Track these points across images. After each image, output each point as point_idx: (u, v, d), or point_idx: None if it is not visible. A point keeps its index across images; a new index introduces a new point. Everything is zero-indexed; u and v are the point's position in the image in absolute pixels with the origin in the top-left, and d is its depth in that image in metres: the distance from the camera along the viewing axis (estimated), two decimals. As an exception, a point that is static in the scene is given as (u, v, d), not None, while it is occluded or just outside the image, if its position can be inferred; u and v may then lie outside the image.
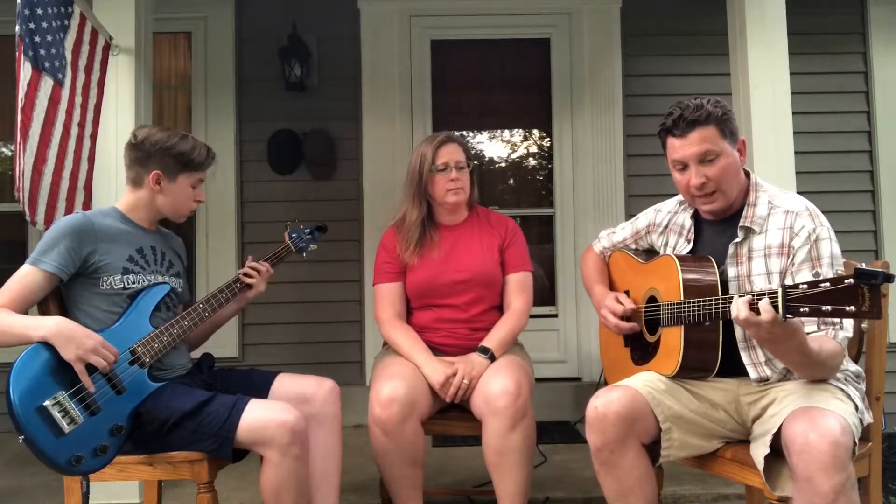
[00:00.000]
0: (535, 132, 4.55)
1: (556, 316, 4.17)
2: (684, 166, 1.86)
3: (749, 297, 1.54)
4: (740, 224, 1.86)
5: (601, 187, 4.14)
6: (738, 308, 1.54)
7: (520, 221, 4.37)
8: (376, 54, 4.13)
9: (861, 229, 4.08)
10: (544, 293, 4.21)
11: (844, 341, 1.71)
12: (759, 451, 1.65)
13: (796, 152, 2.91)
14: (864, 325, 1.73)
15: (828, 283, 1.36)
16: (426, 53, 4.22)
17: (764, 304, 1.49)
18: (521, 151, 4.60)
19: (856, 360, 1.92)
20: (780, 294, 1.45)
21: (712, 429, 1.84)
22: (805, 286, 1.40)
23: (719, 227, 1.94)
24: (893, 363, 2.68)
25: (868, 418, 1.78)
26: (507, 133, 4.57)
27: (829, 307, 1.36)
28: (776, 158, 2.85)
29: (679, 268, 1.85)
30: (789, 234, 1.80)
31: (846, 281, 1.33)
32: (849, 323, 1.71)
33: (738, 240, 1.86)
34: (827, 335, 1.70)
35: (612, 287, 2.26)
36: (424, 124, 4.16)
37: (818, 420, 1.53)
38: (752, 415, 1.81)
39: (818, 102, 4.06)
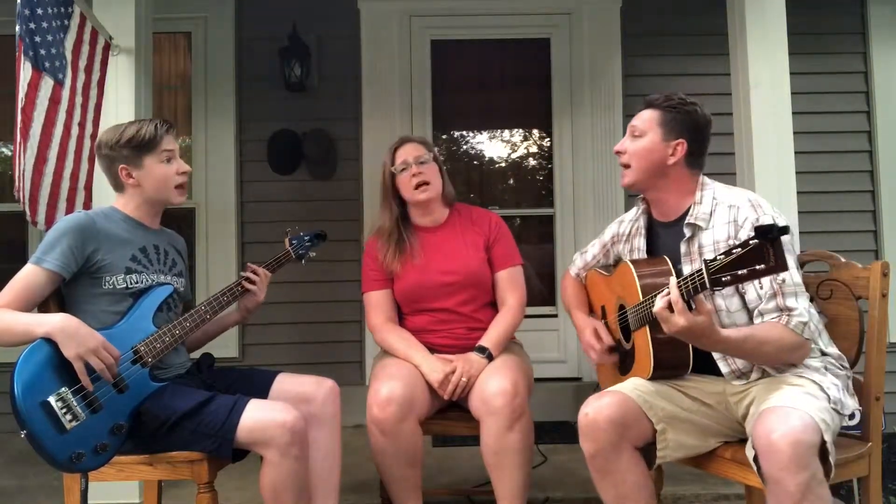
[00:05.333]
0: (535, 132, 4.55)
1: (555, 316, 4.17)
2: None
3: (667, 293, 1.60)
4: (686, 221, 1.90)
5: (601, 187, 4.14)
6: (656, 303, 1.62)
7: (520, 221, 4.39)
8: (376, 54, 4.13)
9: (861, 229, 4.07)
10: (544, 293, 4.21)
11: (799, 327, 1.72)
12: (749, 451, 1.65)
13: (796, 152, 2.91)
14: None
15: (739, 249, 1.44)
16: (426, 53, 4.22)
17: (677, 307, 1.57)
18: (521, 151, 4.60)
19: (856, 361, 1.93)
20: (704, 269, 1.51)
21: (707, 426, 1.84)
22: (722, 256, 1.48)
23: (670, 228, 1.98)
24: (893, 363, 2.68)
25: (852, 404, 1.77)
26: (507, 133, 4.57)
27: (744, 270, 1.43)
28: (776, 158, 2.85)
29: (634, 271, 1.90)
30: (734, 227, 1.83)
31: (751, 242, 1.41)
32: (801, 308, 1.73)
33: (685, 237, 1.89)
34: (780, 321, 1.73)
35: (591, 307, 2.29)
36: (424, 124, 4.16)
37: (780, 420, 1.55)
38: (740, 414, 1.82)
39: (818, 102, 4.05)
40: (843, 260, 1.99)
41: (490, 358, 2.28)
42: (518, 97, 4.45)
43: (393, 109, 4.12)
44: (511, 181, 4.61)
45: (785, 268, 1.40)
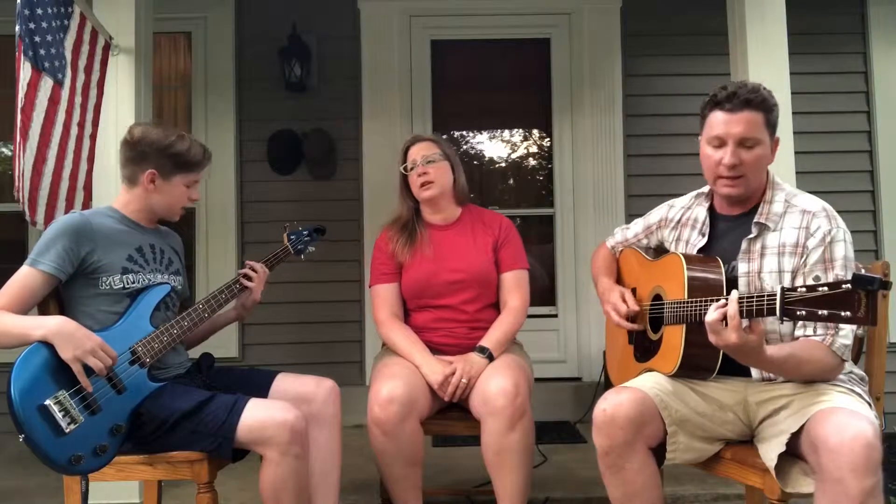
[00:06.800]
0: (535, 132, 4.55)
1: (556, 316, 4.17)
2: (721, 143, 1.81)
3: (723, 304, 1.55)
4: (755, 220, 1.85)
5: (601, 187, 4.14)
6: (710, 312, 1.57)
7: (520, 221, 4.38)
8: (376, 54, 4.13)
9: (861, 229, 4.06)
10: (544, 293, 4.21)
11: (842, 349, 1.70)
12: (774, 450, 1.63)
13: (796, 152, 2.91)
14: (859, 331, 1.73)
15: (826, 288, 1.37)
16: (426, 53, 4.23)
17: (732, 322, 1.52)
18: (521, 151, 4.60)
19: (856, 361, 1.92)
20: (777, 296, 1.45)
21: (717, 431, 1.82)
22: (803, 290, 1.40)
23: (734, 222, 1.92)
24: (893, 363, 2.67)
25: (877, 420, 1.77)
26: (507, 133, 4.57)
27: (825, 311, 1.36)
28: (776, 158, 2.84)
29: (685, 266, 1.84)
30: (805, 233, 1.79)
31: (843, 286, 1.34)
32: (847, 329, 1.70)
33: (751, 236, 1.84)
34: (824, 342, 1.70)
35: (620, 283, 2.25)
36: (424, 124, 4.16)
37: (852, 422, 1.51)
38: (760, 415, 1.79)
39: (818, 102, 4.06)
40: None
41: (490, 358, 2.28)
42: (518, 97, 4.46)
43: (393, 109, 4.12)
44: (511, 181, 4.61)
45: (874, 323, 1.35)
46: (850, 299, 1.33)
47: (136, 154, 1.99)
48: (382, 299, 2.44)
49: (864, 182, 4.14)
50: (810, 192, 1.91)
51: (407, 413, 2.13)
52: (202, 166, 2.06)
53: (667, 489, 2.24)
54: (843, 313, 1.34)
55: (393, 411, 2.11)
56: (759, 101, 1.79)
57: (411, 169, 2.43)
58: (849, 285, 1.33)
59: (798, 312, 1.40)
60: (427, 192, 2.41)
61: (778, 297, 1.45)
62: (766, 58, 2.92)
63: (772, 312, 1.47)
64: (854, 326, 1.71)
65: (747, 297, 1.54)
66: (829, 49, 4.13)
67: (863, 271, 1.34)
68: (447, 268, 2.40)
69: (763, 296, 1.50)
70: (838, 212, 1.83)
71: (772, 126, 1.83)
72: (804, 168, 3.11)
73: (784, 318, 1.45)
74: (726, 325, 1.55)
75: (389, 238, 2.47)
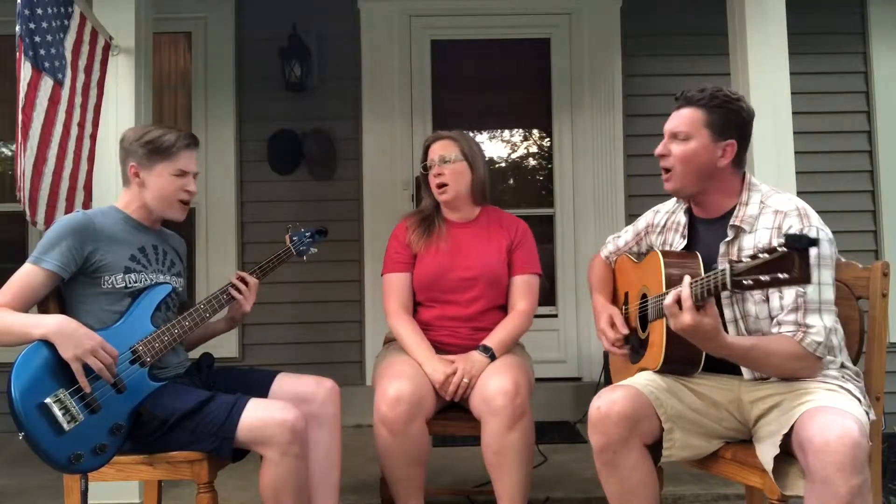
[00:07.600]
0: (535, 132, 4.56)
1: (556, 316, 4.17)
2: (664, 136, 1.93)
3: (678, 291, 1.61)
4: (730, 223, 1.86)
5: (601, 187, 4.14)
6: (667, 297, 1.62)
7: (520, 221, 4.38)
8: (376, 54, 4.13)
9: (861, 229, 4.07)
10: (544, 293, 4.21)
11: (813, 345, 1.70)
12: (769, 451, 1.63)
13: (796, 152, 2.91)
14: (831, 324, 1.73)
15: (766, 255, 1.43)
16: (426, 53, 4.23)
17: (686, 304, 1.59)
18: (521, 151, 4.60)
19: (856, 361, 1.92)
20: (728, 270, 1.50)
21: (713, 428, 1.83)
22: (748, 260, 1.46)
23: (712, 225, 1.94)
24: (893, 363, 2.68)
25: (872, 416, 1.77)
26: (507, 133, 4.57)
27: (767, 277, 1.42)
28: (776, 158, 2.85)
29: (662, 262, 1.88)
30: (777, 234, 1.79)
31: (779, 249, 1.40)
32: (819, 327, 1.71)
33: (727, 239, 1.86)
34: (794, 337, 1.71)
35: (615, 291, 2.27)
36: (424, 124, 4.16)
37: (837, 420, 1.51)
38: (755, 414, 1.80)
39: (818, 102, 4.06)
40: (843, 260, 1.98)
41: (493, 357, 2.28)
42: (518, 97, 4.45)
43: (393, 109, 4.13)
44: (511, 181, 4.61)
45: (808, 280, 1.38)
46: (786, 261, 1.39)
47: (122, 154, 2.04)
48: (393, 288, 2.44)
49: (864, 182, 4.13)
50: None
51: (415, 412, 2.13)
52: (178, 150, 2.01)
53: (667, 489, 2.24)
54: (780, 275, 1.40)
55: (401, 411, 2.10)
56: (699, 99, 1.85)
57: (430, 168, 2.45)
58: (784, 248, 1.39)
59: (745, 282, 1.46)
60: (442, 196, 2.43)
61: (728, 271, 1.50)
62: (766, 58, 2.92)
63: (724, 287, 1.52)
64: (832, 322, 1.73)
65: (703, 278, 1.58)
66: (829, 49, 4.13)
67: (795, 232, 1.39)
68: (461, 264, 2.40)
69: (717, 273, 1.54)
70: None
71: (717, 126, 1.83)
72: (804, 168, 3.11)
73: (735, 290, 1.51)
74: (681, 308, 1.60)
75: (407, 227, 2.48)
